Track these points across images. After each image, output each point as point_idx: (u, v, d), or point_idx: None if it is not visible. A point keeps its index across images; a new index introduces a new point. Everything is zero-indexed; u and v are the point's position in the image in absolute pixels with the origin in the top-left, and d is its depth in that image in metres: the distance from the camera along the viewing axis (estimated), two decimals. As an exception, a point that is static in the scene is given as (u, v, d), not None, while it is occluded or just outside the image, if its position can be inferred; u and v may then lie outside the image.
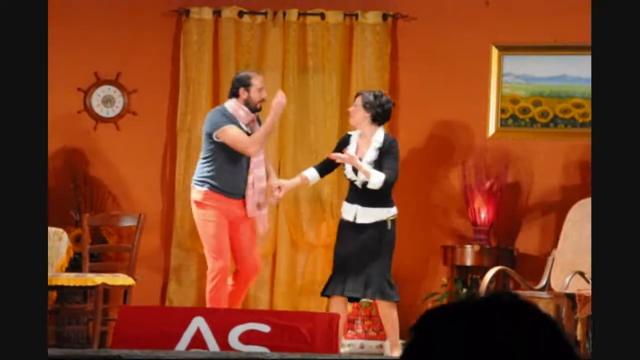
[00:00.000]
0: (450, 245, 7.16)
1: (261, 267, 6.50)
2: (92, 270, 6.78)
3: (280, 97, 6.33)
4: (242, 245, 6.36)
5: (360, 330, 7.13)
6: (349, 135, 6.29)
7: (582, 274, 6.39)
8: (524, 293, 6.54)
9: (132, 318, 5.77)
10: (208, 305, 6.35)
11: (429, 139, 7.37)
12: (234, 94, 6.41)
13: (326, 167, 6.31)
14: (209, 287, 6.35)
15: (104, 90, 7.73)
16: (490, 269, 6.51)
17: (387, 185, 6.05)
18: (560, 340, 1.37)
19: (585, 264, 6.64)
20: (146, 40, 7.65)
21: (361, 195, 6.11)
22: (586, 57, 7.37)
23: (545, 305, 6.40)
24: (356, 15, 7.53)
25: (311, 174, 6.30)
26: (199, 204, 6.36)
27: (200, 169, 6.39)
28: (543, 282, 6.71)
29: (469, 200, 7.23)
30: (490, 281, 6.41)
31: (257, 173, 6.34)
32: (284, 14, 7.56)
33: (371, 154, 6.13)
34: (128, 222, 7.00)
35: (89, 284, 6.61)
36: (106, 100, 7.74)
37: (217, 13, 7.62)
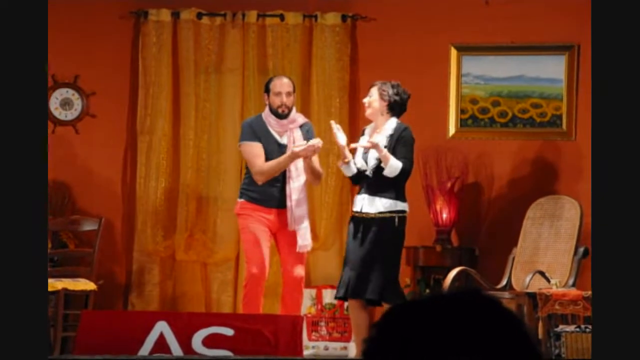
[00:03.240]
0: (412, 245, 7.18)
1: (301, 279, 6.27)
2: (52, 276, 6.71)
3: (309, 145, 6.04)
4: (282, 256, 6.25)
5: (324, 332, 7.14)
6: (364, 129, 6.15)
7: (542, 273, 6.45)
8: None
9: (94, 323, 5.73)
10: (243, 312, 6.27)
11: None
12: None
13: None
14: (244, 296, 6.30)
15: (61, 93, 7.66)
16: (453, 269, 6.55)
17: (404, 174, 5.86)
18: (521, 334, 1.37)
19: (545, 261, 6.72)
20: (104, 43, 7.59)
21: (370, 184, 5.93)
22: (543, 57, 7.46)
23: (507, 304, 6.41)
24: (315, 17, 7.53)
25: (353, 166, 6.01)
26: (237, 215, 6.32)
27: (243, 181, 6.39)
28: (504, 282, 6.76)
29: (431, 200, 7.26)
30: (453, 281, 6.45)
31: (293, 185, 6.14)
32: (243, 15, 7.54)
33: (381, 143, 5.92)
34: (88, 226, 6.95)
35: (50, 289, 6.54)
36: (64, 103, 7.66)
37: (176, 15, 7.58)
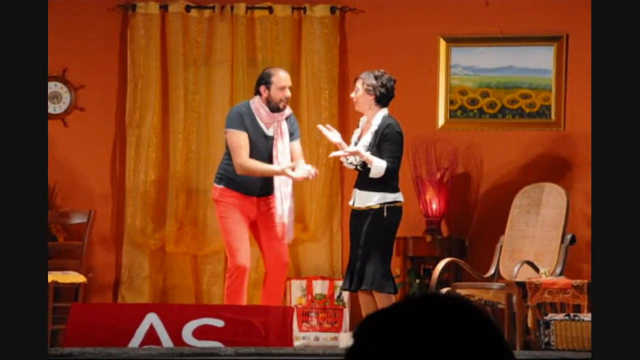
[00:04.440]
0: (402, 236, 7.18)
1: (287, 263, 6.26)
2: (41, 269, 6.70)
3: (301, 172, 6.00)
4: (262, 243, 6.19)
5: (314, 322, 7.14)
6: (360, 120, 6.13)
7: (530, 263, 6.47)
8: (475, 283, 6.61)
9: (84, 316, 5.72)
10: (225, 303, 6.21)
11: (379, 131, 7.39)
12: (257, 91, 6.16)
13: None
14: (225, 285, 6.23)
15: (50, 87, 7.64)
16: (443, 259, 6.56)
17: (390, 172, 5.86)
18: (494, 336, 1.39)
19: (532, 250, 6.73)
20: (92, 36, 7.57)
21: (359, 178, 5.97)
22: (532, 47, 7.47)
23: (496, 294, 6.47)
24: (304, 9, 7.53)
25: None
26: (216, 201, 6.19)
27: (220, 166, 6.23)
28: (492, 271, 6.78)
29: (420, 191, 7.27)
30: (443, 272, 6.46)
31: (281, 177, 6.08)
32: (232, 7, 7.53)
33: (367, 138, 5.93)
34: (78, 219, 6.94)
35: (39, 282, 6.53)
36: (52, 97, 7.65)
37: (164, 7, 7.57)
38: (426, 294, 1.41)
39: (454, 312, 1.37)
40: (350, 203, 6.05)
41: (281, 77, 6.09)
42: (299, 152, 6.28)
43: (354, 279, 5.94)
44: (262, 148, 6.12)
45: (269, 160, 6.14)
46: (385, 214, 5.88)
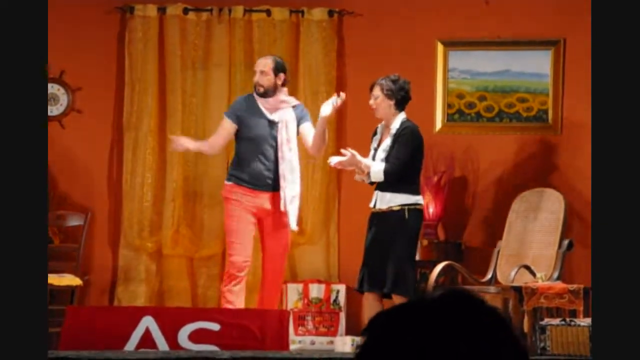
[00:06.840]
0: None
1: (284, 270, 6.26)
2: (38, 271, 6.69)
3: (326, 108, 6.10)
4: (265, 243, 6.18)
5: (310, 326, 7.14)
6: (377, 129, 6.11)
7: (527, 267, 6.47)
8: (472, 287, 6.61)
9: (79, 319, 5.72)
10: (222, 305, 6.17)
11: (376, 134, 7.39)
12: None
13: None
14: (222, 285, 6.23)
15: (47, 88, 7.63)
16: (439, 263, 6.56)
17: (389, 175, 5.85)
18: (509, 335, 1.38)
19: (530, 254, 6.74)
20: (90, 38, 7.58)
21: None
22: (529, 52, 7.47)
23: (492, 298, 6.47)
24: (302, 12, 7.54)
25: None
26: (224, 198, 6.24)
27: (230, 162, 6.39)
28: (489, 275, 6.78)
29: (417, 195, 7.27)
30: (439, 276, 6.46)
31: (285, 166, 6.14)
32: (230, 10, 7.54)
33: (387, 142, 5.96)
34: (74, 221, 6.95)
35: (35, 285, 6.52)
36: (50, 99, 7.65)
37: (162, 10, 7.57)
38: (442, 292, 1.38)
39: (471, 312, 1.35)
40: (371, 205, 6.01)
41: (258, 62, 6.40)
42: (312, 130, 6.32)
43: (371, 279, 5.90)
44: (265, 132, 6.24)
45: (275, 145, 6.17)
46: (406, 216, 5.87)
